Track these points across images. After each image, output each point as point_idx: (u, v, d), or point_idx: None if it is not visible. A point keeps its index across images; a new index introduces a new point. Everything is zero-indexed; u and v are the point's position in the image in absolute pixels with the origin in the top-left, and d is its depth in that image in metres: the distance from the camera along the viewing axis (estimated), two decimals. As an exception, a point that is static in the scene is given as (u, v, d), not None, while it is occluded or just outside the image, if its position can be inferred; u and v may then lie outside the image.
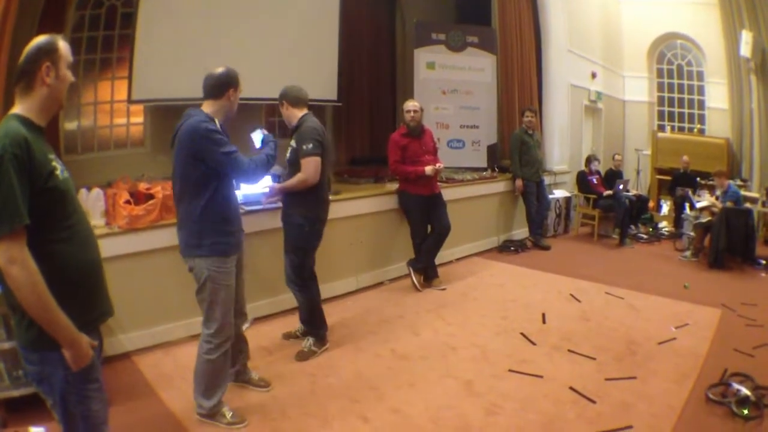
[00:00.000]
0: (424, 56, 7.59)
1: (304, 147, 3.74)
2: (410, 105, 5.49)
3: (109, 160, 5.79)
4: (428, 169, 5.34)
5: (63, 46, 1.82)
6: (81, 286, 1.83)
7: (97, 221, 3.75)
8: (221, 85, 2.93)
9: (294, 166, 3.84)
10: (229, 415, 3.07)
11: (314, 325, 4.10)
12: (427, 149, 5.51)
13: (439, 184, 5.75)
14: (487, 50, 7.81)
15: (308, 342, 4.07)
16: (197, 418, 3.08)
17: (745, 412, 3.31)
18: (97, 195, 3.89)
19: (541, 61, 8.74)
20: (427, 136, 5.58)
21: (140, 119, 6.07)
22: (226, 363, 3.06)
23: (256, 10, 6.05)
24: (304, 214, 3.87)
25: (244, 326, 3.44)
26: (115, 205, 3.86)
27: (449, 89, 7.59)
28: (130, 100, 5.49)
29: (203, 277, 2.89)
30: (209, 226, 2.88)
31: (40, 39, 1.80)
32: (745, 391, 3.47)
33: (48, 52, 1.77)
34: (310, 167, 3.75)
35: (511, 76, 8.23)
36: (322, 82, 6.85)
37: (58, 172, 1.75)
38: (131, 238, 3.82)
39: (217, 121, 2.89)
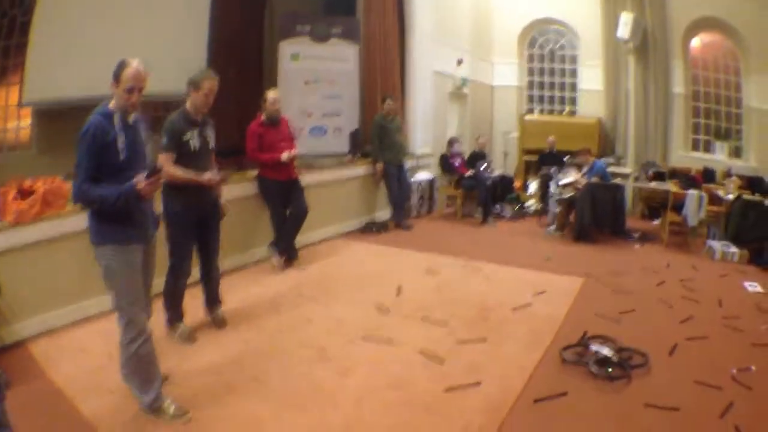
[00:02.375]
0: (289, 48, 7.68)
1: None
2: (274, 95, 5.65)
3: (3, 162, 5.89)
4: (284, 156, 5.59)
5: None
6: None
7: (-9, 218, 4.01)
8: (114, 70, 2.79)
9: (208, 156, 4.05)
10: (171, 409, 2.99)
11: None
12: (283, 137, 5.74)
13: (297, 169, 5.95)
14: (351, 40, 8.01)
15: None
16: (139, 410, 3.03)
17: (609, 370, 3.44)
18: None
19: (404, 50, 9.02)
20: (283, 124, 5.81)
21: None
22: (148, 353, 2.93)
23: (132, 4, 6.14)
24: None
25: None
26: (5, 203, 4.10)
27: (312, 79, 7.75)
28: (20, 104, 5.57)
29: (102, 266, 2.84)
30: (105, 214, 2.80)
31: None
32: (604, 351, 3.61)
33: None
34: None
35: (373, 64, 8.48)
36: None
37: None
38: (20, 232, 4.00)
39: (116, 117, 2.78)
